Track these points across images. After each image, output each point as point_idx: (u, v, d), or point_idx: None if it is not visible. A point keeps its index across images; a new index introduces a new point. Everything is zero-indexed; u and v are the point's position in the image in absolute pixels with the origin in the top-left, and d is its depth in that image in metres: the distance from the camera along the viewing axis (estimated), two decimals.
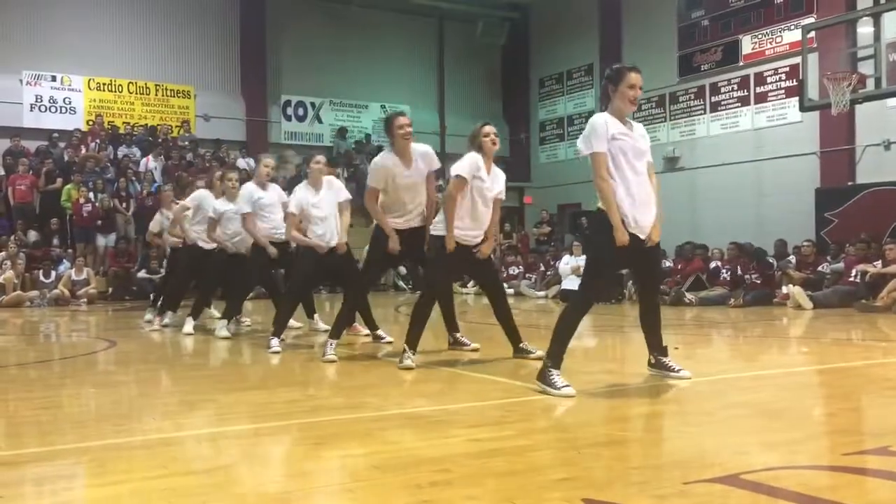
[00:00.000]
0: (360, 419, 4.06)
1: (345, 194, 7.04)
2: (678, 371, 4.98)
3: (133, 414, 4.42)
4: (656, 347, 5.05)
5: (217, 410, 4.44)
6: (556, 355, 4.58)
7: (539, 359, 5.24)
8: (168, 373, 6.17)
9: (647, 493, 2.68)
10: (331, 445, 3.52)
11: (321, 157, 7.10)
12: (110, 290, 15.71)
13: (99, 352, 7.39)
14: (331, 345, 6.15)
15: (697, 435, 3.66)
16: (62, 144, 17.87)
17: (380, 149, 21.18)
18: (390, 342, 7.18)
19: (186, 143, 19.33)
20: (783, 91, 16.34)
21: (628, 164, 4.63)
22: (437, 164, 6.34)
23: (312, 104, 21.59)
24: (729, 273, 13.30)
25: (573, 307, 4.78)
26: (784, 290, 12.29)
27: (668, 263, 14.36)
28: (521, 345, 6.15)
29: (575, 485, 2.80)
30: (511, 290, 16.71)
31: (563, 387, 4.43)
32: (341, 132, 21.34)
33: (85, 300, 14.60)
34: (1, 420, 4.29)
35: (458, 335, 6.71)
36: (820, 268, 12.60)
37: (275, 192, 8.02)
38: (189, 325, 8.50)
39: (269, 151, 20.77)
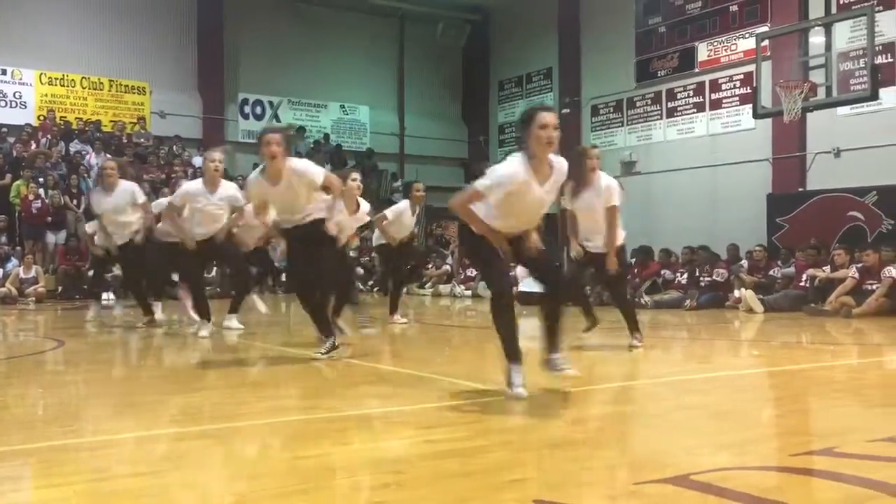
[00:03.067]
0: (314, 420, 4.03)
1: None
2: (565, 370, 4.63)
3: (81, 415, 4.33)
4: (552, 347, 4.66)
5: (167, 412, 4.36)
6: (507, 352, 4.48)
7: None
8: (117, 373, 6.06)
9: (599, 494, 2.70)
10: (283, 447, 3.49)
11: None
12: (60, 288, 15.40)
13: (47, 351, 7.23)
14: (325, 342, 6.05)
15: (650, 436, 3.70)
16: (12, 139, 17.47)
17: (339, 147, 21.33)
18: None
19: (142, 140, 19.05)
20: (737, 98, 16.62)
21: (516, 209, 4.50)
22: None
23: (271, 103, 21.41)
24: (685, 276, 13.47)
25: (491, 306, 4.62)
26: (736, 293, 12.49)
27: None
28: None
29: (527, 485, 2.81)
30: (469, 292, 16.75)
31: (517, 387, 4.37)
32: (300, 132, 21.20)
33: (33, 299, 14.30)
34: None
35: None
36: (771, 272, 12.83)
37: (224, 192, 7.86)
38: (234, 321, 8.40)
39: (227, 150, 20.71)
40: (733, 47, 16.67)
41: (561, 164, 4.68)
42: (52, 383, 5.58)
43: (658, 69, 18.19)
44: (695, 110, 17.55)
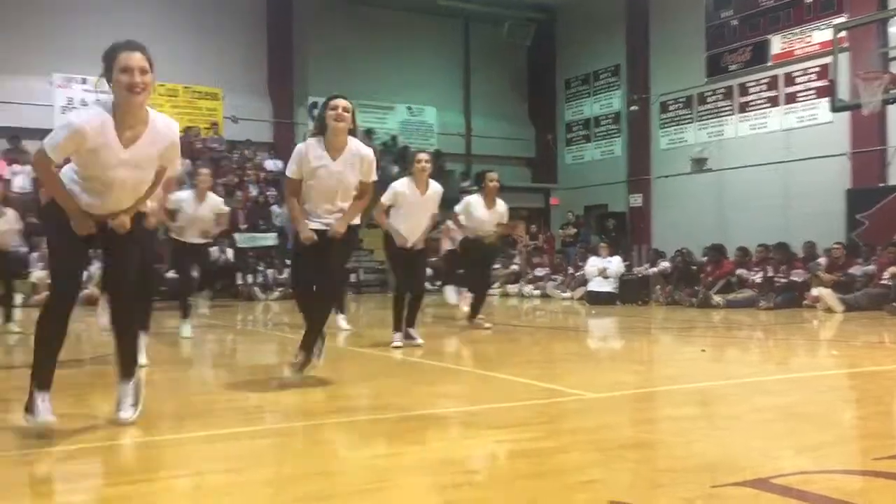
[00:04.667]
0: (386, 420, 4.06)
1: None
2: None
3: (154, 414, 4.41)
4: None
5: (243, 410, 4.45)
6: (38, 374, 3.59)
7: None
8: (190, 373, 6.20)
9: (675, 496, 2.66)
10: (356, 446, 3.53)
11: (424, 156, 7.25)
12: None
13: None
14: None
15: (725, 438, 3.62)
16: None
17: (406, 149, 21.48)
18: (420, 344, 7.11)
19: (215, 144, 19.52)
20: (813, 91, 16.16)
21: (95, 174, 3.63)
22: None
23: None
24: (759, 275, 13.15)
25: (41, 311, 3.69)
26: (814, 292, 12.15)
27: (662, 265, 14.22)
28: None
29: (601, 487, 2.78)
30: (537, 291, 16.69)
31: (41, 413, 3.48)
32: (368, 133, 21.41)
33: None
34: None
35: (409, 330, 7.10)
36: (851, 270, 12.44)
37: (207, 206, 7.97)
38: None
39: None
40: (808, 39, 16.22)
41: (165, 125, 3.77)
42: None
43: (729, 63, 17.81)
44: (768, 105, 17.13)
